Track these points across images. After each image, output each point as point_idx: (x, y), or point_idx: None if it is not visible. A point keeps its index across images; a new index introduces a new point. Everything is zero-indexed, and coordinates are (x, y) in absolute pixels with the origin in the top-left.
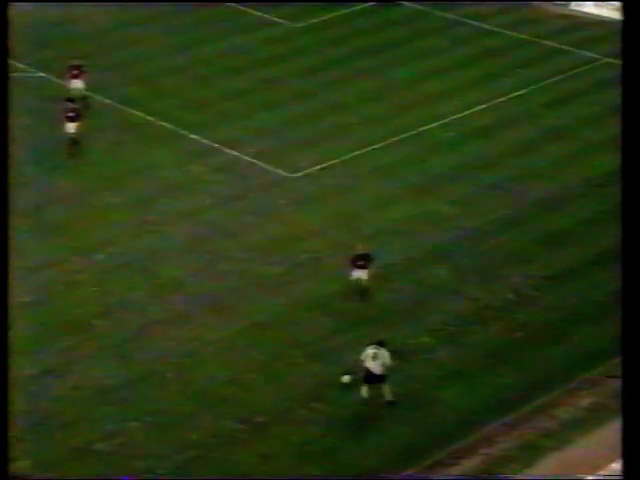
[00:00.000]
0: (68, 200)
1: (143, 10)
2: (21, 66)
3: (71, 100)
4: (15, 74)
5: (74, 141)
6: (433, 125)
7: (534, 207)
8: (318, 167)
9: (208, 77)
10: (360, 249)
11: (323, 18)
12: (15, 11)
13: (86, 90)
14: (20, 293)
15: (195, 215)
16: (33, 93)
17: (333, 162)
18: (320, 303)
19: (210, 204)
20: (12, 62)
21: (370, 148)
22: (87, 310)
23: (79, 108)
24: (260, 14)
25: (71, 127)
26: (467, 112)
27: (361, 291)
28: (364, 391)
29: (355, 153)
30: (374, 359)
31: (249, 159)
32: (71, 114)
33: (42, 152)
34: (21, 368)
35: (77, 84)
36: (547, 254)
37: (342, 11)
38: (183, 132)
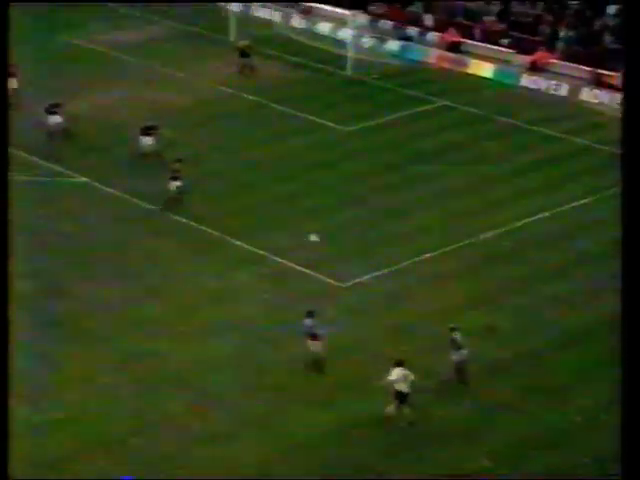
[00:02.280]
0: (107, 309)
1: (189, 116)
2: (60, 170)
3: (180, 160)
4: (57, 179)
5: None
6: (491, 233)
7: (601, 322)
8: (369, 276)
9: (254, 182)
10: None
11: (375, 122)
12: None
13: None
14: (53, 408)
15: (240, 326)
16: (76, 197)
17: (385, 271)
18: (369, 422)
19: (255, 314)
20: (54, 166)
21: (424, 257)
22: (123, 427)
23: (181, 169)
24: (310, 117)
25: (173, 185)
26: (527, 220)
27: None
28: (392, 408)
29: (408, 262)
30: (405, 380)
31: (297, 267)
32: (176, 174)
33: (81, 260)
34: None
35: (148, 141)
36: (617, 374)
37: (396, 115)
38: (228, 238)
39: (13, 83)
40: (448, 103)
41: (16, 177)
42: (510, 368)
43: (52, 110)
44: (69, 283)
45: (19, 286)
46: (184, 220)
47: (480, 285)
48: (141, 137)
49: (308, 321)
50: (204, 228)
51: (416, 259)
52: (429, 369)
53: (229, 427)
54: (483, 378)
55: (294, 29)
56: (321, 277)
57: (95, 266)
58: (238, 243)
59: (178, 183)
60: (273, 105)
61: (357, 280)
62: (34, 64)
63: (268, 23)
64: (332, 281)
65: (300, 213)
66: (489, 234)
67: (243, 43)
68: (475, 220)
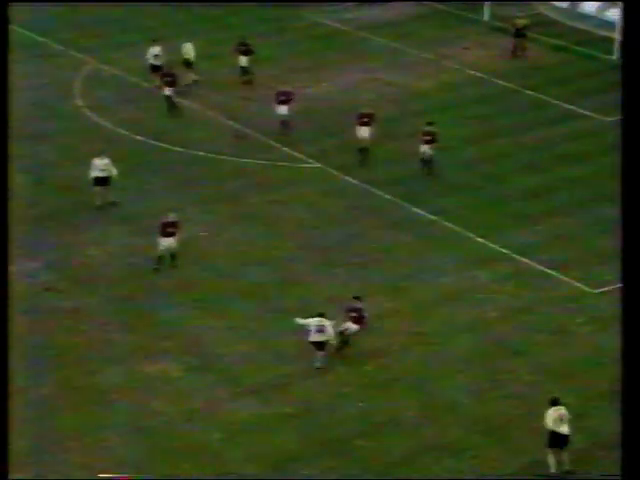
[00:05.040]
0: (341, 303)
1: (431, 101)
2: (295, 154)
3: (430, 123)
4: (291, 164)
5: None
6: None
7: None
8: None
9: (501, 174)
10: None
11: None
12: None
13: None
14: (282, 403)
15: (477, 328)
16: (310, 184)
17: None
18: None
19: (495, 317)
20: (288, 150)
21: None
22: (351, 428)
23: (436, 132)
24: (567, 105)
25: (426, 148)
26: None
27: None
28: (550, 458)
29: None
30: (562, 421)
31: (543, 269)
32: (428, 137)
33: (316, 250)
34: None
35: (364, 132)
36: None
37: None
38: (469, 234)
39: (243, 61)
40: None
41: (248, 160)
42: None
43: (281, 99)
44: (303, 274)
45: (252, 274)
46: (423, 213)
47: None
48: (358, 127)
49: None
50: (443, 222)
51: None
52: None
53: (463, 435)
54: None
55: (555, 8)
56: (569, 280)
57: (328, 257)
58: (479, 240)
59: (427, 147)
60: (527, 92)
61: (611, 287)
62: (275, 42)
63: (526, 2)
64: (580, 285)
65: (548, 209)
66: None
67: (521, 21)
68: None
